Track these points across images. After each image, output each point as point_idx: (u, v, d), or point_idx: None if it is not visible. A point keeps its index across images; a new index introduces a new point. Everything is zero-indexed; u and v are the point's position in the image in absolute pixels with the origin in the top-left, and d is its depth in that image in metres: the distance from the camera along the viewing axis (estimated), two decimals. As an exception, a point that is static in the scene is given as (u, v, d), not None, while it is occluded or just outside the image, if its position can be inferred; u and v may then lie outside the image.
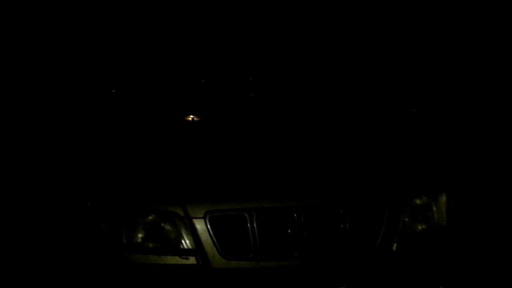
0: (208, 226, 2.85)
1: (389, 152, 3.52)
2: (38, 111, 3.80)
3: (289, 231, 2.90)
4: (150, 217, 2.89)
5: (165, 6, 4.39)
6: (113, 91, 3.99)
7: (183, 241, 2.86)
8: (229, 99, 4.02)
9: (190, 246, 2.85)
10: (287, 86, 4.21)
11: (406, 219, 3.06)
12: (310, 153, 3.37)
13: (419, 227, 3.10)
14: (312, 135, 3.64)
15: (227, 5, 4.50)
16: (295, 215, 2.90)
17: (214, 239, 2.84)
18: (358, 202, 2.99)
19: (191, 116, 3.80)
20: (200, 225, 2.85)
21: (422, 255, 3.04)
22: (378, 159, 3.38)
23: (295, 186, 3.03)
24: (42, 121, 3.71)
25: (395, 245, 2.98)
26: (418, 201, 3.12)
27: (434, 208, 3.13)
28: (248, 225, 2.87)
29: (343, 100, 4.10)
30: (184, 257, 2.83)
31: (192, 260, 2.83)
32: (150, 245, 2.87)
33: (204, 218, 2.86)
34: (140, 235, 2.88)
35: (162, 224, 2.88)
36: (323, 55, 4.42)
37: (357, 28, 4.74)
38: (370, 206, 3.00)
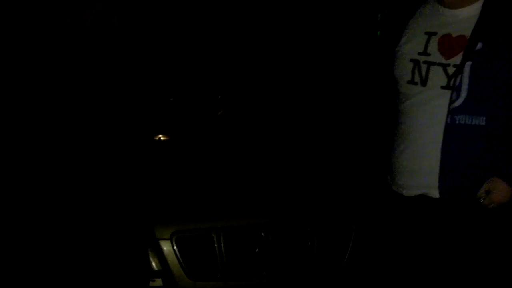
0: (175, 247, 2.82)
1: (355, 168, 3.52)
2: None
3: (257, 250, 2.88)
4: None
5: (135, 24, 4.37)
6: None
7: (148, 263, 2.83)
8: (198, 118, 4.01)
9: (155, 268, 2.82)
10: (255, 103, 4.21)
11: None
12: (278, 171, 3.36)
13: None
14: (280, 153, 3.62)
15: (196, 23, 4.50)
16: (262, 234, 2.89)
17: (180, 260, 2.82)
18: (325, 220, 2.98)
19: (160, 135, 3.78)
20: (166, 247, 2.83)
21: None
22: (345, 175, 3.38)
23: (263, 204, 3.02)
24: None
25: (362, 261, 2.98)
26: None
27: None
28: (216, 245, 2.85)
29: (312, 117, 4.10)
30: (150, 279, 2.80)
31: (158, 282, 2.80)
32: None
33: (170, 239, 2.83)
34: (105, 258, 2.84)
35: (127, 246, 2.85)
36: (290, 70, 4.42)
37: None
38: (338, 224, 2.99)
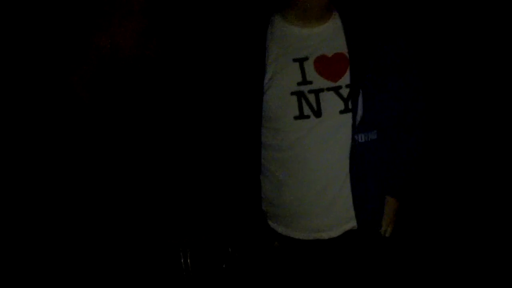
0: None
1: None
2: None
3: (224, 266, 2.86)
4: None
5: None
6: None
7: (112, 281, 2.80)
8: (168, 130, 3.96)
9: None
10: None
11: None
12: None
13: None
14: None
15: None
16: (229, 249, 2.86)
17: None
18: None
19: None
20: (131, 263, 2.79)
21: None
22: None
23: (229, 219, 2.99)
24: None
25: None
26: None
27: None
28: (182, 260, 2.82)
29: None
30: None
31: (122, 300, 2.77)
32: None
33: (135, 255, 2.80)
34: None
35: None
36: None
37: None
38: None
